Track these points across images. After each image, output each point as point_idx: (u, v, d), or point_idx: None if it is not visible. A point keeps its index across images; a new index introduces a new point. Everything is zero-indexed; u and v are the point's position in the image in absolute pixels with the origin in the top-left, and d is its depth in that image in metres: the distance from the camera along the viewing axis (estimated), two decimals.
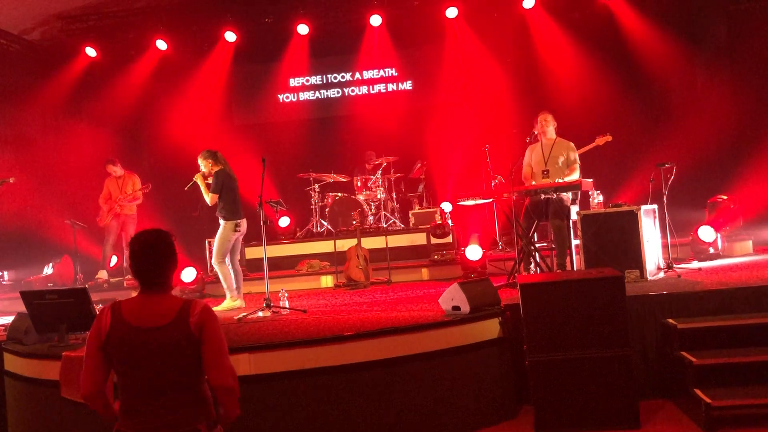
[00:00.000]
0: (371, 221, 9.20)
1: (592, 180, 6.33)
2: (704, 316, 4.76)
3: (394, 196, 9.75)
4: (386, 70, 11.04)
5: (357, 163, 10.07)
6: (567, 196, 6.19)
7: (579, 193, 6.16)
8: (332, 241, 8.15)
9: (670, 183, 6.27)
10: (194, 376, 2.54)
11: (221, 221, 6.37)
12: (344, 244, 7.89)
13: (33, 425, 4.74)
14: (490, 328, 4.70)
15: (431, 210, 9.21)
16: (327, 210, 9.19)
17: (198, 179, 6.46)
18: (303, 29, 10.17)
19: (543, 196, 6.17)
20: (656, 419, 4.40)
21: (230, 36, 10.24)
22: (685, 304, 4.83)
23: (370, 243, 8.11)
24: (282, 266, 8.49)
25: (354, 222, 7.71)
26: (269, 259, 6.31)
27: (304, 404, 4.18)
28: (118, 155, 9.13)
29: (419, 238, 8.65)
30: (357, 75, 11.10)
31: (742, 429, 4.12)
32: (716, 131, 8.90)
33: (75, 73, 10.39)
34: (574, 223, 6.06)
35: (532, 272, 6.15)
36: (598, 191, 6.28)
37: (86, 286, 7.08)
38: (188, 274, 7.50)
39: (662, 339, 4.79)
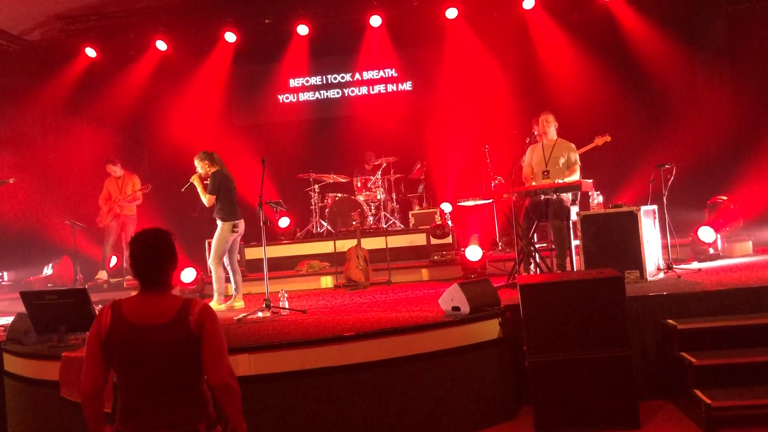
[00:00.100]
0: (371, 222, 9.20)
1: (591, 180, 6.33)
2: (704, 316, 4.76)
3: (394, 196, 9.75)
4: (386, 70, 11.03)
5: (357, 164, 10.07)
6: (567, 196, 6.19)
7: (579, 193, 6.16)
8: (332, 242, 8.14)
9: (670, 183, 6.27)
10: (194, 376, 2.54)
11: (219, 222, 6.39)
12: (344, 245, 7.89)
13: (33, 426, 4.74)
14: (490, 329, 4.70)
15: (431, 210, 9.21)
16: (327, 210, 9.19)
17: (195, 180, 6.47)
18: (303, 30, 10.17)
19: (543, 197, 6.17)
20: (656, 420, 4.40)
21: (230, 36, 10.24)
22: (685, 305, 4.83)
23: (370, 243, 8.10)
24: (282, 267, 8.49)
25: (354, 222, 7.71)
26: (269, 259, 6.31)
27: (304, 404, 4.18)
28: (118, 156, 9.12)
29: (419, 239, 8.65)
30: (357, 75, 11.10)
31: (742, 429, 4.12)
32: (716, 131, 8.90)
33: (75, 74, 10.39)
34: (574, 223, 6.06)
35: (532, 273, 6.15)
36: (598, 192, 6.28)
37: (86, 286, 7.10)
38: (188, 275, 7.51)
39: (662, 340, 4.79)
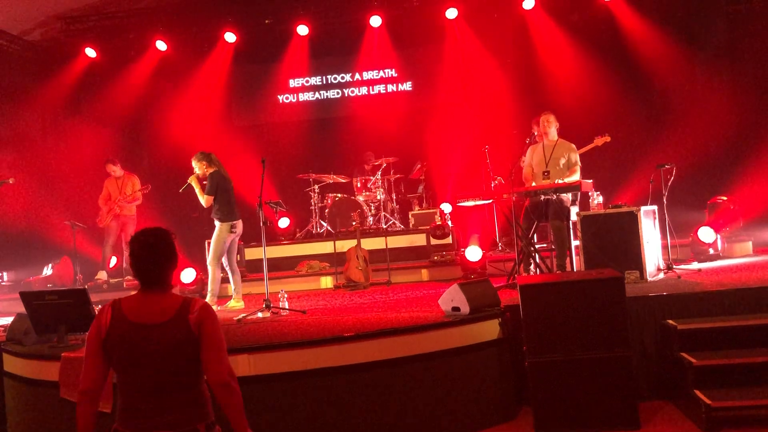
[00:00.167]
0: (371, 222, 9.20)
1: (591, 181, 6.33)
2: (704, 317, 4.76)
3: (394, 197, 9.75)
4: (386, 70, 11.04)
5: (357, 164, 10.07)
6: (567, 197, 6.19)
7: (579, 194, 6.16)
8: (332, 242, 8.14)
9: (670, 184, 6.27)
10: (193, 375, 2.54)
11: (216, 223, 6.38)
12: (344, 245, 7.89)
13: (33, 426, 4.73)
14: (489, 329, 4.70)
15: (431, 211, 9.20)
16: (327, 211, 9.18)
17: (192, 181, 6.47)
18: (303, 30, 10.17)
19: (543, 197, 6.17)
20: (656, 420, 4.39)
21: (230, 37, 10.24)
22: (685, 305, 4.83)
23: (370, 244, 8.10)
24: (282, 267, 8.48)
25: (354, 223, 7.70)
26: (269, 260, 6.31)
27: (304, 405, 4.18)
28: (118, 156, 9.12)
29: (419, 239, 8.65)
30: (357, 76, 11.10)
31: (742, 430, 4.12)
32: (716, 131, 8.90)
33: (75, 74, 10.38)
34: (574, 224, 6.06)
35: (531, 273, 6.15)
36: (598, 192, 6.28)
37: (86, 287, 7.10)
38: (188, 275, 7.50)
39: (662, 340, 4.78)
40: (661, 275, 6.01)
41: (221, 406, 2.55)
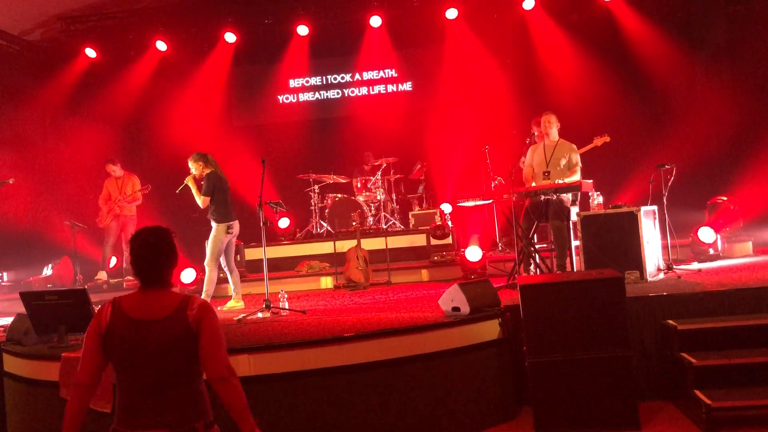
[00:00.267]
0: (371, 222, 9.20)
1: (591, 181, 6.33)
2: (704, 317, 4.76)
3: (394, 197, 9.74)
4: (386, 71, 11.04)
5: (357, 164, 10.06)
6: (567, 197, 6.19)
7: (579, 194, 6.16)
8: (332, 242, 8.14)
9: (670, 184, 6.27)
10: (192, 375, 2.54)
11: (213, 223, 6.37)
12: (344, 245, 7.89)
13: (32, 426, 4.73)
14: (489, 329, 4.70)
15: (431, 211, 9.20)
16: (327, 211, 9.18)
17: (189, 182, 6.46)
18: (303, 30, 10.17)
19: (543, 197, 6.17)
20: (656, 420, 4.39)
21: (230, 37, 10.24)
22: (685, 306, 4.83)
23: (370, 244, 8.10)
24: (282, 267, 8.48)
25: (354, 223, 7.70)
26: (269, 260, 6.30)
27: (304, 405, 4.18)
28: (118, 156, 9.12)
29: (419, 240, 8.65)
30: (357, 76, 11.10)
31: (742, 430, 4.12)
32: (716, 132, 8.91)
33: (75, 74, 10.38)
34: (574, 224, 6.06)
35: (532, 273, 6.15)
36: (598, 192, 6.28)
37: (86, 287, 7.11)
38: (188, 275, 7.49)
39: (662, 340, 4.78)
40: (661, 275, 6.01)
41: (224, 404, 2.54)
